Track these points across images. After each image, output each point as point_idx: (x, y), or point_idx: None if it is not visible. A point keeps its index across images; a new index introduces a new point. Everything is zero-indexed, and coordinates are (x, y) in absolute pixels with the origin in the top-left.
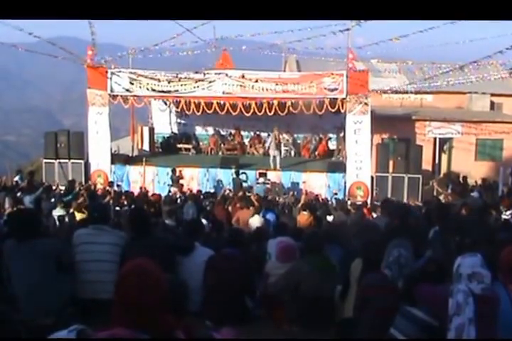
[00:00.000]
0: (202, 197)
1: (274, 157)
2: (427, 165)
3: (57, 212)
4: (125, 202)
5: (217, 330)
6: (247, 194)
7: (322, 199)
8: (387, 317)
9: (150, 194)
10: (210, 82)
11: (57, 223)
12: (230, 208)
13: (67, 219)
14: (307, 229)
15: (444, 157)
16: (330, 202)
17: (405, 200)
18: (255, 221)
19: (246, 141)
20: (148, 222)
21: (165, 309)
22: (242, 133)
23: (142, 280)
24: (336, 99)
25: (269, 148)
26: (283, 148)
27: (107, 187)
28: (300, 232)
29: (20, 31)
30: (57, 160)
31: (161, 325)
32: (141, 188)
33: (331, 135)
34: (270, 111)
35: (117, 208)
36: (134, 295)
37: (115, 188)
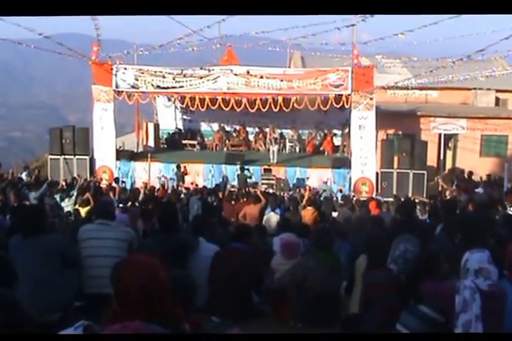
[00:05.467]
0: (205, 192)
1: (273, 151)
2: (431, 161)
3: (65, 206)
4: (129, 199)
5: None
6: (253, 189)
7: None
8: (390, 315)
9: (156, 190)
10: (214, 78)
11: (64, 218)
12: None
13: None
14: (312, 224)
15: (449, 153)
16: (334, 198)
17: (410, 196)
18: (272, 218)
19: (251, 137)
20: (178, 219)
21: (172, 301)
22: (247, 129)
23: (146, 274)
24: (341, 95)
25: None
26: (288, 144)
27: (113, 183)
28: (305, 228)
29: (25, 28)
30: (63, 156)
31: (169, 317)
32: (145, 184)
33: (335, 131)
34: (275, 107)
35: (121, 205)
36: (141, 287)
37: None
